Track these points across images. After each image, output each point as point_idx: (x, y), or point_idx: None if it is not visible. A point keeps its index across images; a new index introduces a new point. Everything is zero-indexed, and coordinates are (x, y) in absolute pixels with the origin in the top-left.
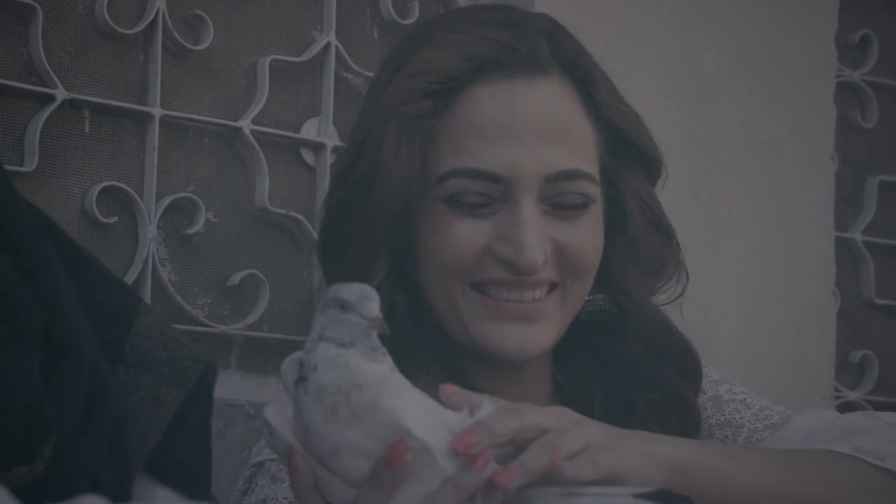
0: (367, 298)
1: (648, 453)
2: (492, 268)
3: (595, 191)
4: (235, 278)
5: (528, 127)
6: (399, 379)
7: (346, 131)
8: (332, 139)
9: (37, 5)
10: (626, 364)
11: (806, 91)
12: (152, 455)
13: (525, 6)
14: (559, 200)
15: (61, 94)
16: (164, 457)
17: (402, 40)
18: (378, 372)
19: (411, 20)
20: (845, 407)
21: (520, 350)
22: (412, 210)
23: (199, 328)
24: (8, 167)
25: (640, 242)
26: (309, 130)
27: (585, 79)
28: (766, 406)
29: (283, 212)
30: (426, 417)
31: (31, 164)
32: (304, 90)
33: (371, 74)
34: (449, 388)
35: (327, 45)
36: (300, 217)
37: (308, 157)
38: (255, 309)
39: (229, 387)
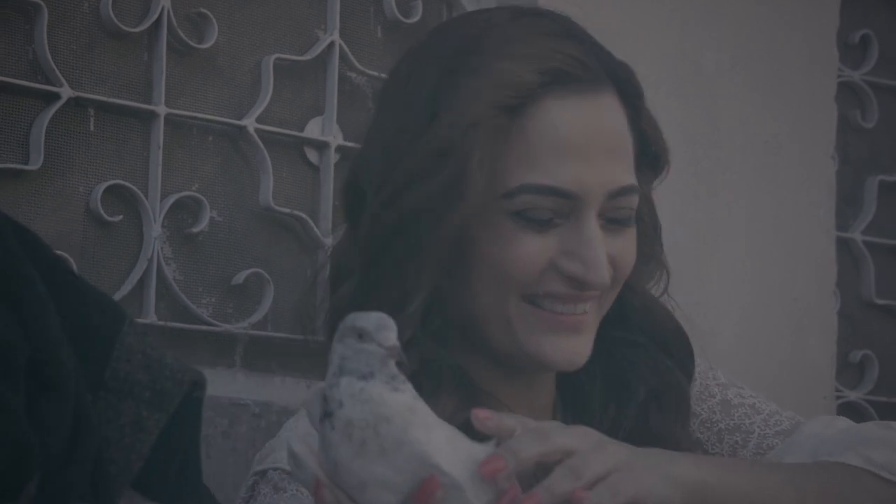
0: (384, 327)
1: (667, 475)
2: (551, 282)
3: (637, 203)
4: (240, 277)
5: (596, 143)
6: (423, 408)
7: (349, 130)
8: (335, 138)
9: (42, 3)
10: (626, 352)
11: (806, 90)
12: (139, 474)
13: (528, 5)
14: (613, 215)
15: (66, 92)
16: (152, 476)
17: (452, 44)
18: (403, 402)
19: (415, 19)
20: (845, 407)
21: (570, 362)
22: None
23: (203, 327)
24: (13, 165)
25: (642, 240)
26: (313, 129)
27: (633, 92)
28: (775, 411)
29: (288, 211)
30: (453, 451)
31: (36, 163)
32: (308, 89)
33: (375, 73)
34: (482, 414)
35: (331, 44)
36: (304, 216)
37: (312, 156)
38: (259, 308)
39: (234, 386)
